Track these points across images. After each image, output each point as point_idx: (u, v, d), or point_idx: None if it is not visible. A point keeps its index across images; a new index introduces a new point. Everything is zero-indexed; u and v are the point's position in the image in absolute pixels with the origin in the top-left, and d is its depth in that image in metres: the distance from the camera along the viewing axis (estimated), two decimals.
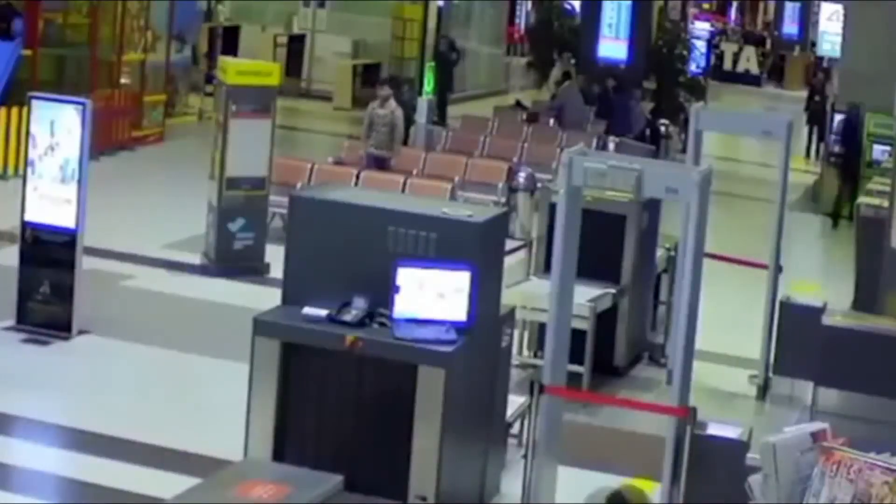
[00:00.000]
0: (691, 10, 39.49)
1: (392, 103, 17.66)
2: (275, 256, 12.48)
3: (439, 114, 24.67)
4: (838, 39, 30.96)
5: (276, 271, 11.02)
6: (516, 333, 10.86)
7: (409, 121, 25.50)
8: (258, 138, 14.36)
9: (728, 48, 45.30)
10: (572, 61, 26.51)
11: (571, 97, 23.77)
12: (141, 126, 21.79)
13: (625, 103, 23.60)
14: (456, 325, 8.45)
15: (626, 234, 12.37)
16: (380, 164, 17.54)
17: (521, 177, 17.80)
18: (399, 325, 8.44)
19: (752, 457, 7.02)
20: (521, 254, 13.46)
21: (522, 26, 41.45)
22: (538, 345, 11.79)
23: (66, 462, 9.53)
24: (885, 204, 13.05)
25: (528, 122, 22.73)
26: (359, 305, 8.55)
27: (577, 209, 8.14)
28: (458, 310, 8.47)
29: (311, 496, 6.87)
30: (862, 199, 15.79)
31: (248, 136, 14.31)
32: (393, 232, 8.61)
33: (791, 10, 50.54)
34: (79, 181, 11.80)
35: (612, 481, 9.69)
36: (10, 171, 17.80)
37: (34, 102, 12.05)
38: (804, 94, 38.81)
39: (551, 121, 23.00)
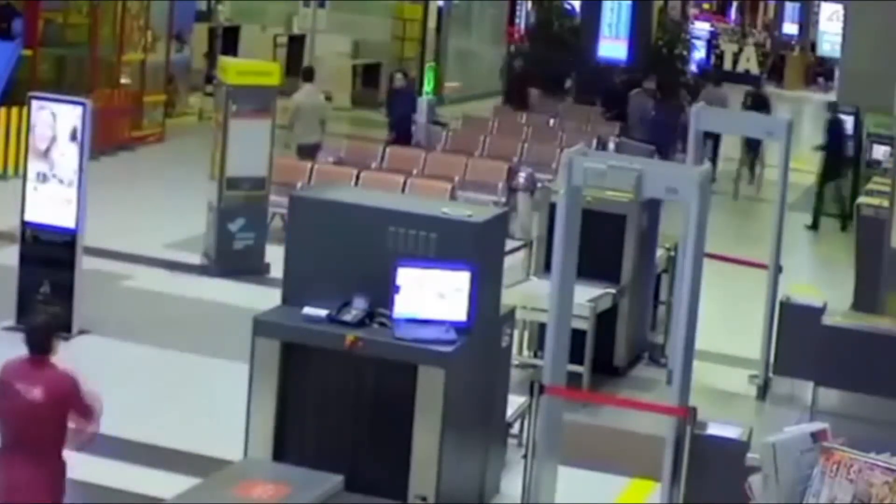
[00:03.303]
0: (691, 10, 39.49)
1: None
2: (275, 256, 12.47)
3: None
4: (838, 39, 30.99)
5: (276, 271, 11.01)
6: (516, 333, 10.85)
7: None
8: (258, 138, 14.35)
9: (728, 48, 45.29)
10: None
11: None
12: (141, 126, 21.79)
13: (676, 116, 23.41)
14: (456, 325, 8.45)
15: (626, 234, 12.36)
16: None
17: (521, 177, 17.80)
18: (399, 325, 8.43)
19: (752, 457, 7.01)
20: (521, 254, 13.43)
21: (522, 26, 41.41)
22: (538, 345, 11.79)
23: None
24: (885, 204, 13.05)
25: None
26: (359, 305, 8.54)
27: (577, 209, 8.14)
28: (458, 310, 8.47)
29: (311, 496, 6.87)
30: (862, 199, 15.78)
31: (248, 136, 14.31)
32: (393, 232, 8.60)
33: (791, 10, 50.54)
34: (79, 181, 11.80)
35: (613, 481, 9.78)
36: (11, 171, 17.81)
37: (34, 102, 12.05)
38: (804, 94, 38.84)
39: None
